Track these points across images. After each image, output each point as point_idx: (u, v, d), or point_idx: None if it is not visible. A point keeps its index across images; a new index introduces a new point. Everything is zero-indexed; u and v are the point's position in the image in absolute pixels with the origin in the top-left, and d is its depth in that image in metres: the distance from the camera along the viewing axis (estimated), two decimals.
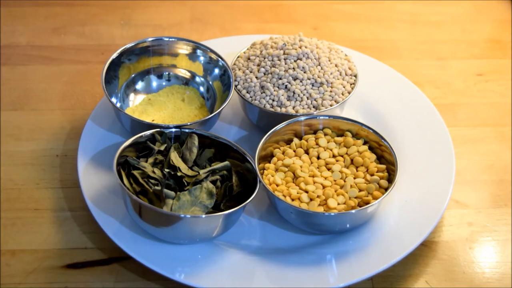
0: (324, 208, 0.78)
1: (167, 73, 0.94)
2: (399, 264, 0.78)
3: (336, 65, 0.90)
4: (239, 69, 0.91)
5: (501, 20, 1.15)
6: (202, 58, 0.93)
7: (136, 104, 0.92)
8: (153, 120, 0.89)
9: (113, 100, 0.89)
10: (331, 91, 0.88)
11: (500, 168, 0.90)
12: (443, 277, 0.78)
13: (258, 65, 0.90)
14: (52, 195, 0.85)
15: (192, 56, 0.94)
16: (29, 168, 0.88)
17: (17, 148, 0.91)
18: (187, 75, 0.95)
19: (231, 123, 0.93)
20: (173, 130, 0.83)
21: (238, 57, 0.93)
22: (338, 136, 0.86)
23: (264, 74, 0.89)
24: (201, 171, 0.80)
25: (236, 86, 0.89)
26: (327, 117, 0.86)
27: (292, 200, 0.78)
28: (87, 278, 0.77)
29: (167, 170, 0.79)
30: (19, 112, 0.96)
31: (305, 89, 0.87)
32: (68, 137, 0.92)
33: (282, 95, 0.87)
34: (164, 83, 0.94)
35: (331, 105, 0.87)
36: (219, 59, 0.92)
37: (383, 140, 0.83)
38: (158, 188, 0.76)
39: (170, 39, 0.93)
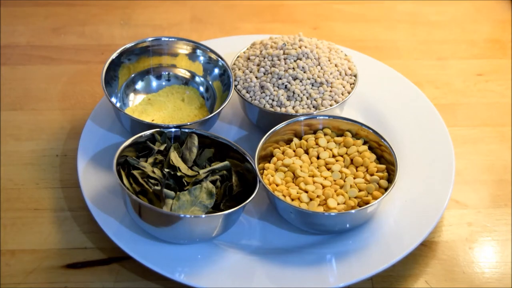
0: (324, 208, 0.78)
1: (167, 73, 0.94)
2: (399, 264, 0.78)
3: (336, 65, 0.90)
4: (239, 69, 0.91)
5: (501, 20, 1.15)
6: (202, 58, 0.93)
7: (136, 104, 0.92)
8: (153, 120, 0.89)
9: (113, 100, 0.89)
10: (331, 91, 0.88)
11: (500, 168, 0.90)
12: (443, 277, 0.78)
13: (258, 65, 0.90)
14: (52, 195, 0.85)
15: (192, 56, 0.94)
16: (29, 168, 0.88)
17: (17, 148, 0.91)
18: (187, 75, 0.95)
19: (231, 123, 0.93)
20: (173, 130, 0.83)
21: (238, 57, 0.93)
22: (338, 136, 0.86)
23: (264, 74, 0.89)
24: (201, 171, 0.80)
25: (236, 86, 0.89)
26: (327, 117, 0.86)
27: (292, 200, 0.78)
28: (87, 278, 0.77)
29: (167, 170, 0.79)
30: (19, 112, 0.96)
31: (305, 89, 0.87)
32: (68, 137, 0.92)
33: (282, 95, 0.87)
34: (164, 83, 0.94)
35: (331, 105, 0.87)
36: (219, 59, 0.92)
37: (383, 140, 0.83)
38: (158, 188, 0.76)
39: (170, 39, 0.93)
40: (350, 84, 0.90)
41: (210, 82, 0.93)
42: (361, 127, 0.85)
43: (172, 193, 0.76)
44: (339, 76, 0.90)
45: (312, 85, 0.88)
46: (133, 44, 0.92)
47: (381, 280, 0.78)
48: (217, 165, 0.81)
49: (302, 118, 0.85)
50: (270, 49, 0.90)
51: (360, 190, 0.79)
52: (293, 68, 0.88)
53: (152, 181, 0.77)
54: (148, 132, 0.82)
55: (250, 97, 0.88)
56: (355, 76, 0.91)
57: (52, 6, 1.14)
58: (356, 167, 0.82)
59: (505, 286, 0.78)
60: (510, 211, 0.85)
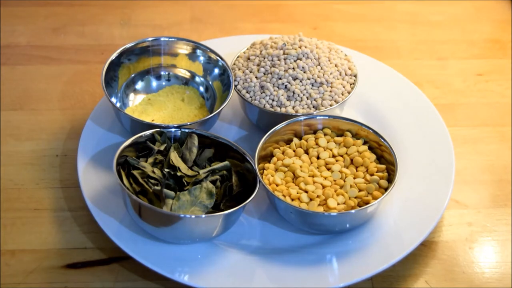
0: (324, 208, 0.78)
1: (167, 73, 0.94)
2: (399, 264, 0.78)
3: (336, 65, 0.90)
4: (239, 69, 0.91)
5: (501, 20, 1.15)
6: (202, 58, 0.93)
7: (136, 104, 0.92)
8: (153, 120, 0.89)
9: (113, 100, 0.89)
10: (330, 91, 0.88)
11: (500, 168, 0.90)
12: (443, 277, 0.78)
13: (258, 65, 0.90)
14: (52, 195, 0.85)
15: (192, 56, 0.94)
16: (29, 168, 0.88)
17: (17, 148, 0.91)
18: (187, 75, 0.95)
19: (231, 123, 0.93)
20: (173, 130, 0.83)
21: (238, 57, 0.93)
22: (338, 136, 0.86)
23: (264, 74, 0.89)
24: (201, 171, 0.80)
25: (236, 86, 0.89)
26: (327, 117, 0.86)
27: (292, 200, 0.78)
28: (87, 278, 0.77)
29: (167, 170, 0.79)
30: (19, 112, 0.96)
31: (304, 89, 0.87)
32: (68, 137, 0.92)
33: (282, 95, 0.87)
34: (164, 83, 0.94)
35: (330, 105, 0.87)
36: (219, 59, 0.92)
37: (382, 140, 0.83)
38: (158, 188, 0.76)
39: (170, 39, 0.93)
40: (350, 84, 0.90)
41: (210, 82, 0.93)
42: (361, 127, 0.85)
43: (172, 193, 0.76)
44: (339, 76, 0.90)
45: (312, 85, 0.88)
46: (133, 44, 0.92)
47: (381, 280, 0.78)
48: (217, 165, 0.81)
49: (302, 118, 0.85)
50: (270, 49, 0.90)
51: (360, 190, 0.79)
52: (293, 68, 0.88)
53: (152, 181, 0.77)
54: (148, 132, 0.82)
55: (250, 97, 0.88)
56: (355, 76, 0.91)
57: (52, 6, 1.14)
58: (356, 167, 0.82)
59: (505, 286, 0.78)
60: (510, 211, 0.85)
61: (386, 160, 0.82)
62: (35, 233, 0.81)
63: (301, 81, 0.88)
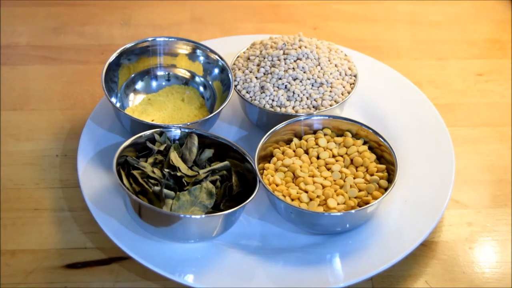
0: (324, 208, 0.78)
1: (166, 73, 0.94)
2: (399, 264, 0.77)
3: (336, 65, 0.90)
4: (239, 69, 0.91)
5: (501, 20, 1.15)
6: (201, 58, 0.93)
7: (136, 104, 0.92)
8: (152, 120, 0.89)
9: (113, 100, 0.89)
10: (330, 91, 0.88)
11: (500, 168, 0.90)
12: (443, 277, 0.78)
13: (258, 65, 0.90)
14: (52, 195, 0.85)
15: (192, 56, 0.94)
16: (29, 168, 0.88)
17: (17, 148, 0.91)
18: (186, 75, 0.95)
19: (231, 123, 0.93)
20: (173, 130, 0.83)
21: (237, 57, 0.93)
22: (337, 136, 0.86)
23: (264, 74, 0.89)
24: (201, 171, 0.80)
25: (235, 86, 0.89)
26: (327, 117, 0.86)
27: (292, 200, 0.78)
28: (87, 278, 0.77)
29: (166, 170, 0.79)
30: (19, 112, 0.96)
31: (304, 89, 0.87)
32: (68, 137, 0.92)
33: (282, 95, 0.87)
34: (163, 83, 0.94)
35: (330, 105, 0.87)
36: (219, 59, 0.92)
37: (382, 140, 0.83)
38: (158, 188, 0.76)
39: (170, 39, 0.93)
40: (350, 84, 0.90)
41: (210, 82, 0.93)
42: (361, 127, 0.85)
43: (172, 193, 0.76)
44: (339, 76, 0.90)
45: (312, 85, 0.88)
46: (133, 44, 0.92)
47: (381, 280, 0.78)
48: (217, 165, 0.81)
49: (302, 118, 0.85)
50: (270, 49, 0.90)
51: (360, 190, 0.79)
52: (293, 68, 0.88)
53: (152, 181, 0.77)
54: (148, 132, 0.82)
55: (250, 97, 0.88)
56: (355, 76, 0.91)
57: (52, 6, 1.14)
58: (356, 167, 0.82)
59: (505, 286, 0.78)
60: (510, 211, 0.85)
61: (386, 160, 0.82)
62: (35, 233, 0.81)
63: (301, 81, 0.88)
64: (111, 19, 1.13)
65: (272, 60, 0.89)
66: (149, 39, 0.92)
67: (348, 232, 0.79)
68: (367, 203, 0.78)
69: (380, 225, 0.80)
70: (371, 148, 0.84)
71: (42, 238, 0.81)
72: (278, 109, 0.87)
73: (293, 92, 0.87)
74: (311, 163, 0.83)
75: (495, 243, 0.82)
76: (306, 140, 0.85)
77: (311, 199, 0.78)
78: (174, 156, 0.80)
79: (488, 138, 0.94)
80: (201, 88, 0.94)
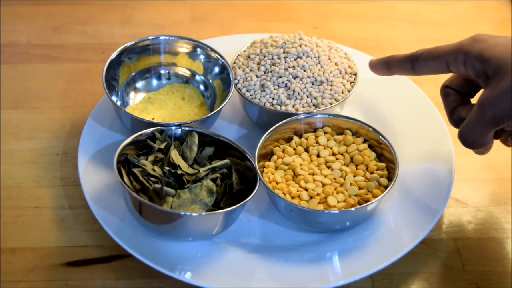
0: (324, 206, 0.78)
1: (167, 71, 0.95)
2: (399, 262, 0.77)
3: (336, 64, 0.90)
4: (239, 68, 0.91)
5: (501, 20, 1.15)
6: (202, 57, 0.94)
7: (136, 103, 0.92)
8: (153, 119, 0.89)
9: (114, 98, 0.89)
10: (331, 90, 0.88)
11: (500, 167, 0.90)
12: (443, 275, 0.78)
13: (258, 63, 0.90)
14: (53, 193, 0.85)
15: (192, 54, 0.94)
16: (30, 167, 0.89)
17: (17, 147, 0.91)
18: (187, 73, 0.95)
19: (231, 122, 0.93)
20: (173, 128, 0.83)
21: (238, 55, 0.93)
22: (338, 134, 0.86)
23: (264, 72, 0.89)
24: (201, 169, 0.80)
25: (236, 84, 0.89)
26: (327, 116, 0.86)
27: (292, 198, 0.78)
28: (88, 276, 0.77)
29: (167, 168, 0.79)
30: (20, 110, 0.96)
31: (305, 87, 0.88)
32: (69, 136, 0.92)
33: (282, 93, 0.87)
34: (164, 82, 0.94)
35: (331, 104, 0.87)
36: (219, 57, 0.92)
37: (382, 139, 0.83)
38: (158, 186, 0.76)
39: (170, 38, 0.93)
40: (350, 83, 0.90)
41: (211, 81, 0.93)
42: (361, 125, 0.85)
43: (172, 191, 0.76)
44: (339, 75, 0.90)
45: (312, 84, 0.88)
46: (133, 42, 0.92)
47: (381, 278, 0.78)
48: (217, 163, 0.81)
49: (302, 116, 0.85)
50: (270, 48, 0.91)
51: (360, 188, 0.79)
52: (293, 66, 0.88)
53: (152, 179, 0.78)
54: (148, 130, 0.82)
55: (250, 95, 0.88)
56: (355, 74, 0.91)
57: (52, 5, 1.14)
58: (356, 165, 0.82)
59: (505, 284, 0.78)
60: (510, 209, 0.85)
61: (386, 158, 0.82)
62: (36, 231, 0.81)
63: (301, 80, 0.88)
64: (112, 18, 1.13)
65: (272, 59, 0.90)
66: (150, 37, 0.93)
67: (348, 230, 0.79)
68: (367, 201, 0.78)
69: (380, 223, 0.80)
70: (371, 146, 0.84)
71: (42, 236, 0.81)
72: (278, 108, 0.87)
73: (293, 91, 0.87)
74: (311, 161, 0.83)
75: (495, 242, 0.82)
76: (306, 138, 0.85)
77: (311, 197, 0.78)
78: (174, 154, 0.80)
79: None
80: (202, 87, 0.94)
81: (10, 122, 0.94)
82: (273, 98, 0.87)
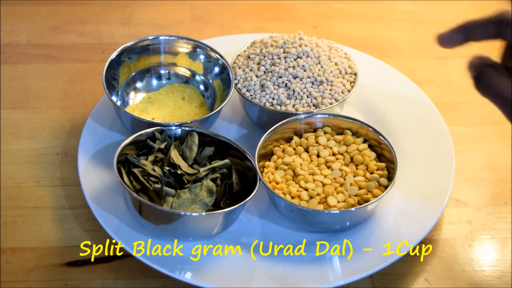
0: (324, 206, 0.78)
1: (167, 71, 0.95)
2: (399, 262, 0.77)
3: (336, 64, 0.90)
4: (239, 68, 0.91)
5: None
6: (202, 57, 0.94)
7: (136, 103, 0.92)
8: (153, 118, 0.89)
9: (114, 98, 0.89)
10: (331, 90, 0.88)
11: (500, 166, 0.90)
12: (443, 275, 0.78)
13: (258, 63, 0.90)
14: (53, 193, 0.85)
15: (192, 54, 0.94)
16: (30, 166, 0.89)
17: (17, 147, 0.91)
18: (187, 73, 0.95)
19: (231, 122, 0.93)
20: (173, 128, 0.83)
21: (238, 55, 0.93)
22: (338, 134, 0.86)
23: (264, 72, 0.89)
24: (201, 169, 0.80)
25: (236, 84, 0.90)
26: (327, 116, 0.86)
27: (292, 198, 0.78)
28: (88, 276, 0.77)
29: (167, 168, 0.79)
30: (20, 110, 0.96)
31: (305, 87, 0.88)
32: (69, 136, 0.92)
33: (282, 93, 0.87)
34: (164, 82, 0.94)
35: (331, 104, 0.87)
36: (219, 57, 0.92)
37: (382, 139, 0.83)
38: (158, 186, 0.76)
39: (170, 38, 0.93)
40: (350, 83, 0.90)
41: (211, 81, 0.93)
42: (361, 125, 0.85)
43: (172, 191, 0.76)
44: (339, 75, 0.90)
45: (312, 84, 0.88)
46: (133, 42, 0.92)
47: (381, 278, 0.78)
48: (217, 163, 0.81)
49: (302, 116, 0.85)
50: (270, 48, 0.91)
51: (360, 188, 0.79)
52: (293, 66, 0.88)
53: (152, 179, 0.78)
54: (148, 130, 0.82)
55: (250, 95, 0.88)
56: (355, 74, 0.91)
57: (52, 4, 1.14)
58: (356, 165, 0.82)
59: (505, 284, 0.78)
60: (510, 209, 0.85)
61: (386, 158, 0.82)
62: (36, 231, 0.81)
63: (301, 80, 0.88)
64: (112, 18, 1.13)
65: (272, 59, 0.90)
66: (150, 37, 0.93)
67: (348, 230, 0.79)
68: (367, 201, 0.78)
69: (380, 223, 0.80)
70: (371, 146, 0.84)
71: (42, 236, 0.81)
72: (278, 107, 0.87)
73: (293, 90, 0.87)
74: (311, 161, 0.83)
75: (495, 241, 0.82)
76: (306, 138, 0.85)
77: (311, 197, 0.78)
78: (174, 154, 0.80)
79: (488, 137, 0.94)
80: (202, 87, 0.94)
81: (10, 122, 0.94)
82: (273, 98, 0.87)
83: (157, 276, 0.76)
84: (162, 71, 0.94)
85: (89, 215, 0.81)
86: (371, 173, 0.81)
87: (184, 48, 0.94)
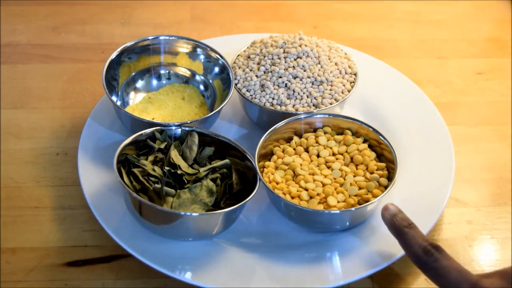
0: (324, 206, 0.78)
1: (167, 71, 0.95)
2: (399, 262, 0.77)
3: (336, 64, 0.90)
4: (239, 68, 0.91)
5: (501, 19, 1.15)
6: (202, 57, 0.94)
7: (136, 103, 0.92)
8: (153, 118, 0.89)
9: (114, 98, 0.89)
10: (331, 90, 0.88)
11: (500, 167, 0.90)
12: None
13: (258, 63, 0.90)
14: (53, 193, 0.85)
15: (192, 54, 0.94)
16: (30, 166, 0.89)
17: (17, 147, 0.91)
18: (187, 73, 0.95)
19: (231, 122, 0.93)
20: (173, 128, 0.83)
21: (238, 55, 0.93)
22: (338, 134, 0.86)
23: (264, 72, 0.89)
24: (201, 169, 0.80)
25: (236, 84, 0.90)
26: (327, 116, 0.86)
27: (292, 198, 0.78)
28: (88, 276, 0.77)
29: (167, 168, 0.79)
30: (20, 110, 0.96)
31: (305, 87, 0.88)
32: (69, 136, 0.92)
33: (282, 93, 0.87)
34: (164, 82, 0.94)
35: (331, 104, 0.87)
36: (219, 57, 0.92)
37: (382, 139, 0.83)
38: (158, 186, 0.76)
39: (170, 38, 0.93)
40: (350, 83, 0.90)
41: (211, 81, 0.93)
42: (361, 125, 0.85)
43: (172, 191, 0.76)
44: (339, 75, 0.90)
45: (312, 84, 0.88)
46: (133, 42, 0.92)
47: (381, 278, 0.78)
48: (217, 163, 0.81)
49: (302, 116, 0.85)
50: (270, 48, 0.91)
51: (360, 188, 0.79)
52: (293, 66, 0.88)
53: (152, 179, 0.78)
54: (148, 130, 0.82)
55: (250, 95, 0.88)
56: (355, 74, 0.91)
57: (52, 5, 1.15)
58: (356, 165, 0.82)
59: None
60: (509, 209, 0.85)
61: (386, 158, 0.82)
62: (36, 231, 0.81)
63: (301, 80, 0.88)
64: (112, 18, 1.13)
65: (272, 59, 0.90)
66: (150, 37, 0.93)
67: (348, 230, 0.79)
68: (367, 201, 0.78)
69: (380, 223, 0.79)
70: (371, 146, 0.84)
71: (42, 236, 0.81)
72: (278, 107, 0.87)
73: (293, 90, 0.87)
74: (311, 161, 0.83)
75: (495, 241, 0.82)
76: (306, 138, 0.85)
77: (311, 197, 0.78)
78: (174, 154, 0.80)
79: (488, 137, 0.94)
80: (202, 87, 0.94)
81: (10, 122, 0.94)
82: (273, 98, 0.87)
83: (157, 276, 0.76)
84: (162, 71, 0.94)
85: (89, 215, 0.81)
86: (371, 173, 0.81)
87: (184, 48, 0.94)
